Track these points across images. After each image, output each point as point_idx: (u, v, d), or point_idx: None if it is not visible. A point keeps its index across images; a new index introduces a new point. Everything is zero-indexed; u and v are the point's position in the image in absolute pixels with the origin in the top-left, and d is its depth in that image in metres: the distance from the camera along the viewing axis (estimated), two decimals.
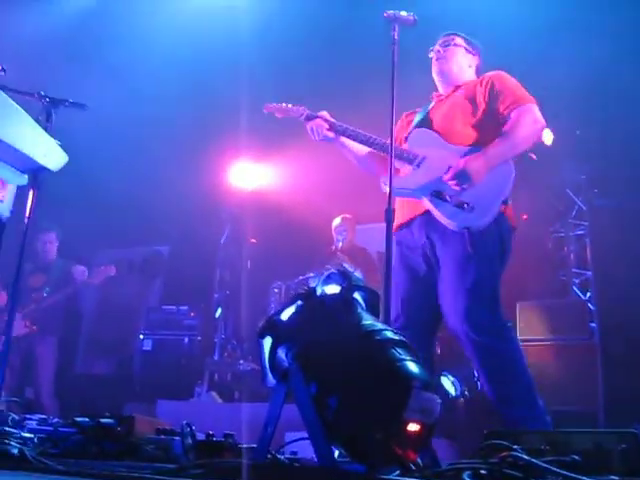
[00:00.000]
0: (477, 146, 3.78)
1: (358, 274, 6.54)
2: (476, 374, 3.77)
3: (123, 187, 8.27)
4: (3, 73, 3.59)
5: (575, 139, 7.69)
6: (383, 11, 3.74)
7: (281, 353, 2.18)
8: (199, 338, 8.15)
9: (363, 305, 2.25)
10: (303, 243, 8.09)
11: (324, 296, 2.25)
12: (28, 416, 3.12)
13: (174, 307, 8.30)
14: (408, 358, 2.03)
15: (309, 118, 4.17)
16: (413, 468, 2.03)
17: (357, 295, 2.26)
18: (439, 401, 2.04)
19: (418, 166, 3.86)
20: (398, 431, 1.95)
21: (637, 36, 6.43)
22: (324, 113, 4.18)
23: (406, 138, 4.06)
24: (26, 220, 3.84)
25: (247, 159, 9.05)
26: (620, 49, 6.58)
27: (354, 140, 4.10)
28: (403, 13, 3.72)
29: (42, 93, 4.09)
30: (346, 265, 6.85)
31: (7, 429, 2.71)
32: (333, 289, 2.25)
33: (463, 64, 4.15)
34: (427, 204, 3.76)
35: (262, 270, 8.41)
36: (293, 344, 2.16)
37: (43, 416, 3.17)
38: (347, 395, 1.99)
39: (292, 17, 7.27)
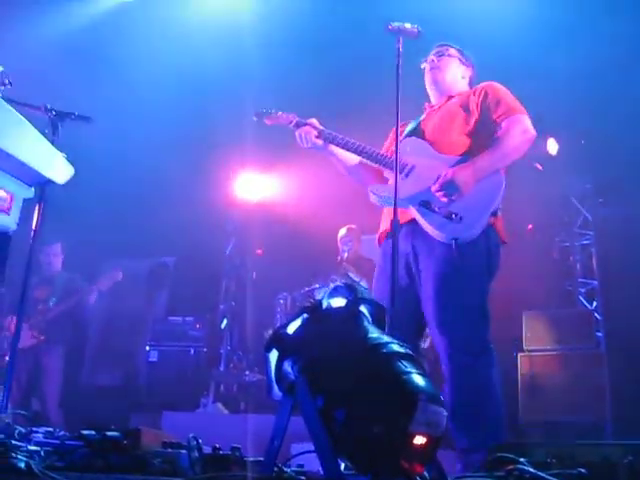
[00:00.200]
0: (468, 156, 3.72)
1: (364, 284, 6.54)
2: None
3: (128, 198, 8.31)
4: (10, 86, 3.60)
5: (580, 149, 7.70)
6: (387, 23, 3.73)
7: (287, 366, 2.18)
8: (205, 349, 8.16)
9: (369, 318, 2.25)
10: (308, 254, 8.09)
11: (330, 309, 2.25)
12: (34, 429, 3.12)
13: (180, 318, 8.31)
14: (414, 371, 2.03)
15: (298, 125, 4.11)
16: None
17: (363, 308, 2.25)
18: (445, 414, 2.04)
19: (407, 176, 3.78)
20: (404, 444, 1.95)
21: None
22: (313, 120, 4.11)
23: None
24: (32, 233, 3.85)
25: (252, 170, 9.08)
26: (625, 57, 6.59)
27: (343, 148, 4.02)
28: (407, 25, 3.68)
29: (48, 106, 4.11)
30: (352, 275, 6.85)
31: (14, 442, 2.71)
32: (339, 302, 2.25)
33: (457, 75, 4.10)
34: (414, 214, 3.68)
35: (267, 281, 8.41)
36: (299, 357, 2.15)
37: (49, 429, 3.17)
38: (353, 408, 1.99)
39: (296, 29, 7.31)
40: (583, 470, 1.98)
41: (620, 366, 6.28)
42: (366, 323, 2.21)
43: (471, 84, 4.15)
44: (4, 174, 3.17)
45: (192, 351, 8.07)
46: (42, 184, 3.57)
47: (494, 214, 3.62)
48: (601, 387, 6.14)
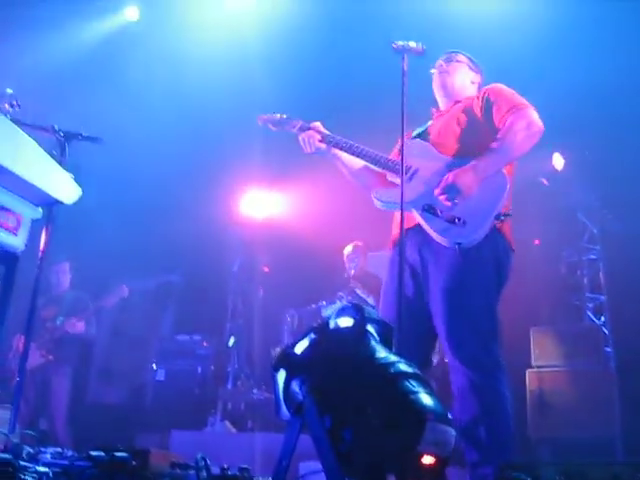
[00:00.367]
0: (472, 157, 3.62)
1: (371, 301, 6.55)
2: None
3: (135, 217, 8.34)
4: (18, 108, 3.63)
5: (586, 163, 7.70)
6: (392, 41, 3.73)
7: (295, 386, 2.18)
8: (212, 367, 8.15)
9: (377, 337, 2.25)
10: (315, 271, 8.09)
11: (337, 329, 2.25)
12: (42, 449, 3.12)
13: (187, 336, 8.31)
14: (422, 390, 2.03)
15: (302, 129, 4.10)
16: None
17: (370, 328, 2.25)
18: (454, 433, 2.03)
19: (410, 179, 3.70)
20: (412, 464, 1.94)
21: None
22: (317, 124, 4.10)
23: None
24: (40, 253, 3.87)
25: (259, 188, 9.10)
26: (633, 68, 6.60)
27: (346, 152, 3.99)
28: (412, 43, 3.65)
29: (56, 127, 4.12)
30: (359, 292, 6.85)
31: (22, 463, 2.71)
32: (346, 322, 2.25)
33: (465, 80, 4.06)
34: (418, 218, 3.62)
35: (274, 298, 8.41)
36: (307, 377, 2.16)
37: (57, 449, 3.17)
38: (361, 428, 1.99)
39: (301, 43, 7.36)
40: None
41: (629, 382, 6.24)
42: (373, 343, 2.21)
43: (480, 90, 4.06)
44: (12, 195, 3.20)
45: (199, 369, 8.06)
46: (50, 205, 3.59)
47: (498, 218, 3.52)
48: (610, 403, 6.10)
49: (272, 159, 6.90)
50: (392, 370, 2.08)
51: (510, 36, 6.70)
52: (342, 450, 2.00)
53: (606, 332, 7.25)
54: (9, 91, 3.58)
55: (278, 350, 6.94)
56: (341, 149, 4.02)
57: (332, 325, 2.26)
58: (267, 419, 6.84)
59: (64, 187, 3.40)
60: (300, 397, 2.16)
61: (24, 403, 5.86)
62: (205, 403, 7.63)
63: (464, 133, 3.79)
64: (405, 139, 3.60)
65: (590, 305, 7.79)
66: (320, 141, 4.03)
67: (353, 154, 3.98)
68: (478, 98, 3.85)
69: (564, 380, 6.37)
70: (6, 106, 3.57)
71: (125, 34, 7.86)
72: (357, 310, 2.26)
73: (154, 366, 8.18)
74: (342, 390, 2.08)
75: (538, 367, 6.53)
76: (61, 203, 3.41)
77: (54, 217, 3.82)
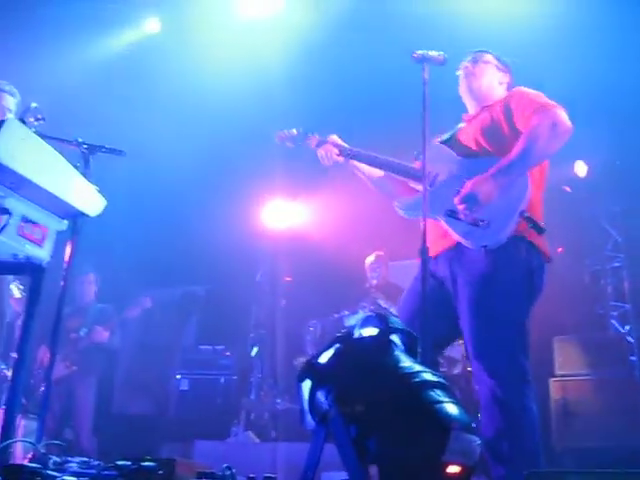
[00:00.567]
0: (493, 158, 3.58)
1: (393, 310, 6.54)
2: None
3: (158, 228, 8.39)
4: (43, 122, 3.67)
5: (609, 171, 7.66)
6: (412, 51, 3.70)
7: (320, 396, 2.18)
8: (235, 377, 8.18)
9: (401, 347, 2.25)
10: (337, 281, 8.09)
11: (362, 339, 2.26)
12: (69, 458, 3.14)
13: (210, 347, 8.35)
14: (447, 400, 2.03)
15: (319, 144, 4.11)
16: None
17: (395, 337, 2.26)
18: (479, 442, 2.03)
19: (431, 185, 3.66)
20: (438, 473, 1.94)
21: None
22: (333, 137, 4.11)
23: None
24: (65, 265, 3.90)
25: (281, 198, 9.13)
26: None
27: (365, 163, 3.99)
28: (432, 53, 3.63)
29: (80, 140, 4.16)
30: (381, 302, 6.85)
31: (50, 472, 2.73)
32: (371, 332, 2.26)
33: (493, 81, 3.95)
34: (443, 224, 3.58)
35: (297, 308, 8.41)
36: (332, 387, 2.16)
37: (84, 458, 3.19)
38: (386, 438, 1.99)
39: (323, 55, 7.38)
40: None
41: None
42: (397, 352, 2.22)
43: (509, 90, 3.96)
44: (38, 208, 3.23)
45: (222, 379, 8.09)
46: (75, 217, 3.62)
47: (522, 215, 3.43)
48: (635, 412, 6.04)
49: (294, 169, 6.91)
50: (417, 379, 2.08)
51: (531, 37, 6.66)
52: (367, 460, 2.01)
53: (631, 341, 7.19)
54: (34, 105, 3.62)
55: (301, 360, 6.94)
56: (359, 160, 4.03)
57: (357, 335, 2.27)
58: (290, 429, 6.83)
59: (89, 199, 3.43)
60: (325, 407, 2.17)
61: (49, 414, 5.89)
62: (228, 413, 7.64)
63: (488, 141, 3.72)
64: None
65: (614, 314, 7.73)
66: (338, 154, 4.04)
67: (371, 164, 3.99)
68: (501, 105, 3.77)
69: (588, 389, 6.32)
70: (31, 120, 3.60)
71: (146, 46, 7.91)
72: (381, 320, 2.27)
73: (178, 376, 8.21)
74: (367, 400, 2.08)
75: (562, 376, 6.49)
76: (86, 215, 3.45)
77: (79, 229, 3.85)
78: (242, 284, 9.04)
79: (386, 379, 2.13)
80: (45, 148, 3.17)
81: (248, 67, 7.50)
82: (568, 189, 7.77)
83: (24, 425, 4.98)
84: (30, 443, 3.33)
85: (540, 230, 3.50)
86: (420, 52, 3.66)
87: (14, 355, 5.61)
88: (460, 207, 3.49)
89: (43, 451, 3.24)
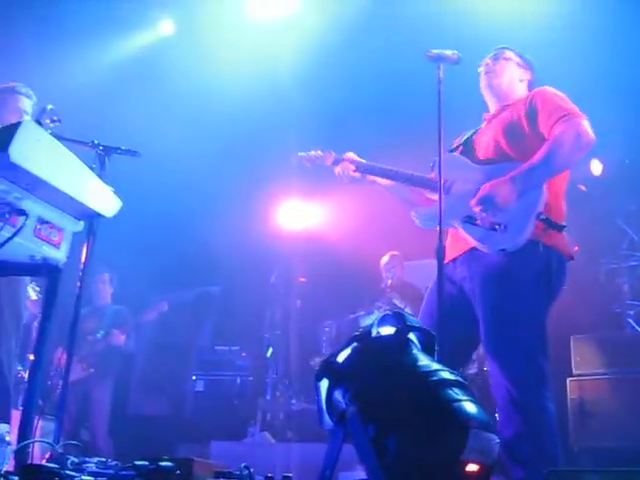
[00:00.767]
0: (511, 163, 3.56)
1: (408, 310, 6.53)
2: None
3: (173, 229, 8.41)
4: (58, 123, 3.69)
5: (624, 169, 7.62)
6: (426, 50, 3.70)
7: (338, 395, 2.18)
8: (251, 378, 8.20)
9: (419, 346, 2.25)
10: (352, 281, 8.09)
11: (379, 338, 2.25)
12: (86, 459, 3.15)
13: (226, 348, 8.38)
14: (465, 398, 2.02)
15: (336, 163, 4.15)
16: None
17: (412, 336, 2.25)
18: (498, 441, 2.02)
19: (447, 193, 3.63)
20: (457, 472, 1.93)
21: None
22: (350, 154, 4.13)
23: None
24: (82, 266, 3.91)
25: (295, 199, 9.13)
26: None
27: (382, 177, 4.01)
28: (447, 52, 3.63)
29: (95, 141, 4.18)
30: (396, 302, 6.84)
31: (68, 472, 2.74)
32: (388, 330, 2.25)
33: (514, 78, 3.91)
34: (461, 231, 3.58)
35: (312, 309, 8.42)
36: (350, 386, 2.16)
37: (101, 459, 3.20)
38: (405, 437, 1.98)
39: (338, 59, 7.38)
40: None
41: None
42: (415, 351, 2.21)
43: (531, 87, 3.93)
44: (54, 209, 3.24)
45: (238, 380, 8.12)
46: (91, 218, 3.63)
47: (539, 217, 3.40)
48: None
49: (309, 170, 6.89)
50: (435, 378, 2.07)
51: (543, 35, 6.62)
52: (386, 459, 2.00)
53: None
54: (50, 107, 3.64)
55: (317, 360, 6.95)
56: (376, 175, 4.05)
57: (374, 333, 2.26)
58: (306, 430, 6.84)
59: (104, 200, 3.44)
60: (343, 406, 2.16)
61: (66, 415, 5.92)
62: (244, 414, 7.66)
63: (508, 141, 3.69)
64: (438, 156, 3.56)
65: (631, 312, 7.67)
66: (355, 170, 4.07)
67: (388, 178, 4.01)
68: (524, 103, 3.72)
69: (606, 388, 6.28)
70: (47, 122, 3.62)
71: (160, 48, 7.93)
72: (399, 318, 2.26)
73: (193, 377, 8.24)
74: (385, 399, 2.08)
75: (579, 376, 6.45)
76: (102, 216, 3.46)
77: (95, 230, 3.87)
78: (257, 285, 9.05)
79: (404, 378, 2.12)
80: (61, 150, 3.18)
81: (262, 69, 7.50)
82: (583, 188, 7.73)
83: (41, 426, 5.00)
84: (48, 443, 3.33)
85: (560, 228, 3.48)
86: (435, 51, 3.66)
87: (31, 357, 5.68)
88: (476, 209, 3.48)
89: (61, 451, 3.26)
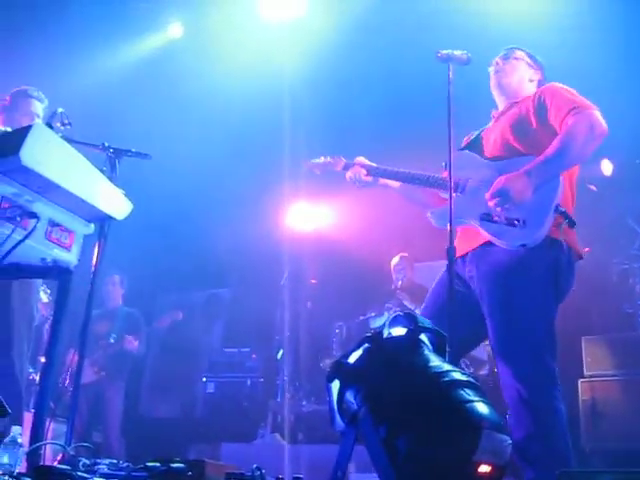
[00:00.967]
0: (523, 158, 3.53)
1: (418, 312, 6.52)
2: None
3: (183, 231, 8.43)
4: (69, 126, 3.70)
5: (635, 168, 7.59)
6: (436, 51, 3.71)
7: (349, 396, 2.18)
8: (261, 380, 8.20)
9: (430, 346, 2.24)
10: (363, 282, 8.09)
11: (391, 338, 2.25)
12: (98, 460, 3.15)
13: (236, 349, 8.38)
14: (477, 399, 2.02)
15: (346, 167, 4.14)
16: None
17: (424, 337, 2.25)
18: (510, 442, 2.02)
19: (462, 192, 3.65)
20: (469, 473, 1.93)
21: None
22: (360, 159, 4.11)
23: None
24: (93, 268, 3.92)
25: (306, 200, 9.13)
26: None
27: (394, 179, 3.99)
28: (457, 52, 3.63)
29: (106, 144, 4.19)
30: (406, 303, 6.84)
31: (80, 474, 2.75)
32: (399, 331, 2.25)
33: (524, 78, 3.90)
34: (479, 229, 3.53)
35: (322, 310, 8.42)
36: (361, 387, 2.15)
37: (113, 460, 3.21)
38: (417, 438, 1.98)
39: (347, 60, 7.38)
40: None
41: None
42: (427, 351, 2.21)
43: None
44: (65, 212, 3.25)
45: (248, 382, 8.12)
46: (102, 220, 3.64)
47: (557, 210, 3.36)
48: None
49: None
50: (446, 379, 2.07)
51: (552, 35, 6.60)
52: (397, 459, 1.99)
53: None
54: (60, 110, 3.65)
55: (328, 362, 6.95)
56: (387, 178, 4.03)
57: (386, 334, 2.26)
58: (317, 431, 6.83)
59: (115, 203, 3.45)
60: (355, 407, 2.16)
61: (77, 417, 5.93)
62: (255, 415, 7.66)
63: (516, 137, 3.67)
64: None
65: None
66: (366, 175, 4.06)
67: (401, 180, 3.98)
68: (533, 100, 3.71)
69: (617, 390, 6.26)
70: (58, 125, 3.64)
71: (170, 51, 7.95)
72: (410, 319, 2.26)
73: (204, 379, 8.25)
74: (397, 400, 2.07)
75: (590, 377, 6.42)
76: (113, 219, 3.47)
77: (106, 232, 3.88)
78: (267, 287, 9.05)
79: (416, 378, 2.12)
80: (72, 152, 3.19)
81: (271, 71, 7.51)
82: (594, 188, 7.70)
83: (53, 428, 5.01)
84: (60, 445, 3.35)
85: (573, 223, 3.44)
86: (445, 52, 3.67)
87: (42, 359, 5.70)
88: (491, 203, 3.45)
89: (72, 453, 3.27)
